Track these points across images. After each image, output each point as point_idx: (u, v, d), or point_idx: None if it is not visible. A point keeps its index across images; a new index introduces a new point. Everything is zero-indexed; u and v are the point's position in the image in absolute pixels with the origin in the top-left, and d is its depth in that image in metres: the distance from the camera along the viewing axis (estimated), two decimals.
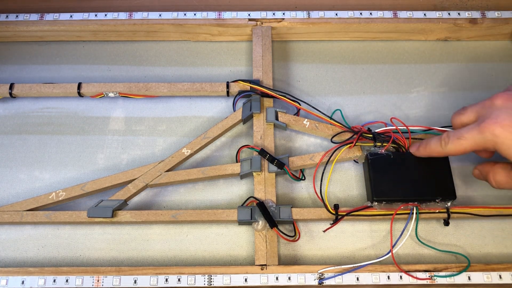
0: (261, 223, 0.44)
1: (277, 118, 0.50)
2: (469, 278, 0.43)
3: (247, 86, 0.52)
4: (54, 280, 0.43)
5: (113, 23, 0.56)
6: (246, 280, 0.43)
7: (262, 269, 0.43)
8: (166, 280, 0.43)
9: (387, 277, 0.43)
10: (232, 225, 0.48)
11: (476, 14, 0.57)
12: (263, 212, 0.44)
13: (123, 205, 0.46)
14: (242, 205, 0.47)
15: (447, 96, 0.55)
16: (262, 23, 0.56)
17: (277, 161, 0.47)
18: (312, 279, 0.43)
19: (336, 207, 0.45)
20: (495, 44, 0.59)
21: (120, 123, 0.54)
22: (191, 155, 0.49)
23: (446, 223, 0.46)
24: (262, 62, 0.54)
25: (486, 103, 0.41)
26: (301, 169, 0.49)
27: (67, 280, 0.43)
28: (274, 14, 0.57)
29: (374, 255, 0.46)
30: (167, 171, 0.48)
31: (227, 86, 0.53)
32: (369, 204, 0.46)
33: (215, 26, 0.56)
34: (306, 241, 0.47)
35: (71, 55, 0.58)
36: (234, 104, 0.53)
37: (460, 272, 0.43)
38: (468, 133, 0.40)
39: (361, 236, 0.47)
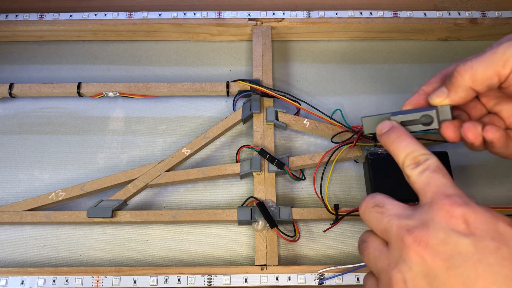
0: (261, 223, 0.44)
1: (277, 118, 0.50)
2: None
3: (247, 86, 0.52)
4: (54, 280, 0.43)
5: (113, 23, 0.56)
6: (246, 280, 0.43)
7: (262, 269, 0.43)
8: (166, 280, 0.43)
9: None
10: (232, 225, 0.48)
11: (476, 14, 0.56)
12: (263, 212, 0.44)
13: (123, 205, 0.46)
14: (242, 205, 0.46)
15: None
16: (262, 23, 0.56)
17: (277, 161, 0.47)
18: (312, 279, 0.43)
19: (336, 207, 0.45)
20: None
21: (120, 123, 0.54)
22: (191, 155, 0.49)
23: None
24: (262, 62, 0.54)
25: None
26: (301, 169, 0.49)
27: (66, 280, 0.43)
28: (274, 14, 0.56)
29: None
30: (167, 171, 0.48)
31: (227, 86, 0.53)
32: None
33: (215, 26, 0.56)
34: (306, 241, 0.47)
35: (71, 55, 0.58)
36: (234, 104, 0.53)
37: None
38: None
39: None
